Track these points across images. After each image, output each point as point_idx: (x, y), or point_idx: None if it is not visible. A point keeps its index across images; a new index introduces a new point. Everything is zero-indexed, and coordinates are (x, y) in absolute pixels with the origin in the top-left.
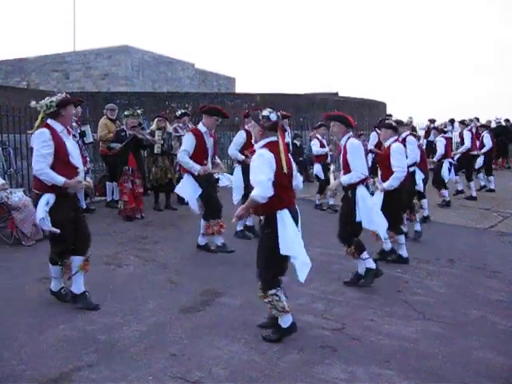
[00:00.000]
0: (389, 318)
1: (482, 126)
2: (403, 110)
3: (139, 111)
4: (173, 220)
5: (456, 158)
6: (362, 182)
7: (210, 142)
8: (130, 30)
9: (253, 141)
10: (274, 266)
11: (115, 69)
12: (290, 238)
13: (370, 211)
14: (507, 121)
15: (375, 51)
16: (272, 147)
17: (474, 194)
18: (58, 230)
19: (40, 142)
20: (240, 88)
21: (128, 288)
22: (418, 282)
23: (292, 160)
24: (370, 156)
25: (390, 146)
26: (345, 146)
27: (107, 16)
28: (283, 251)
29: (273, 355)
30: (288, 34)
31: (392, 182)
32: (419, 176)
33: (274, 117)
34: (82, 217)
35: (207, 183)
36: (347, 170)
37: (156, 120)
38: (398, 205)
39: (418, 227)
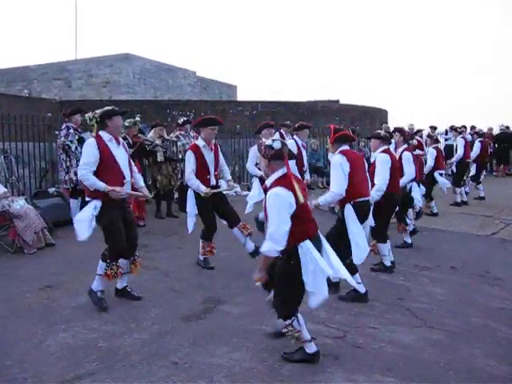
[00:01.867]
0: (391, 325)
1: (476, 133)
2: (404, 115)
3: (137, 118)
4: (174, 228)
5: (454, 166)
6: (349, 200)
7: (210, 156)
8: (131, 38)
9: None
10: (291, 297)
11: (117, 77)
12: (314, 272)
13: (355, 236)
14: (507, 128)
15: (375, 54)
16: (286, 182)
17: (465, 198)
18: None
19: (85, 151)
20: (241, 96)
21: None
22: (420, 289)
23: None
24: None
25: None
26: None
27: (108, 24)
28: (309, 287)
29: (274, 363)
30: (289, 42)
31: (373, 194)
32: (416, 190)
33: (277, 144)
34: (131, 220)
35: (206, 202)
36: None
37: (155, 129)
38: (386, 215)
39: (408, 239)
